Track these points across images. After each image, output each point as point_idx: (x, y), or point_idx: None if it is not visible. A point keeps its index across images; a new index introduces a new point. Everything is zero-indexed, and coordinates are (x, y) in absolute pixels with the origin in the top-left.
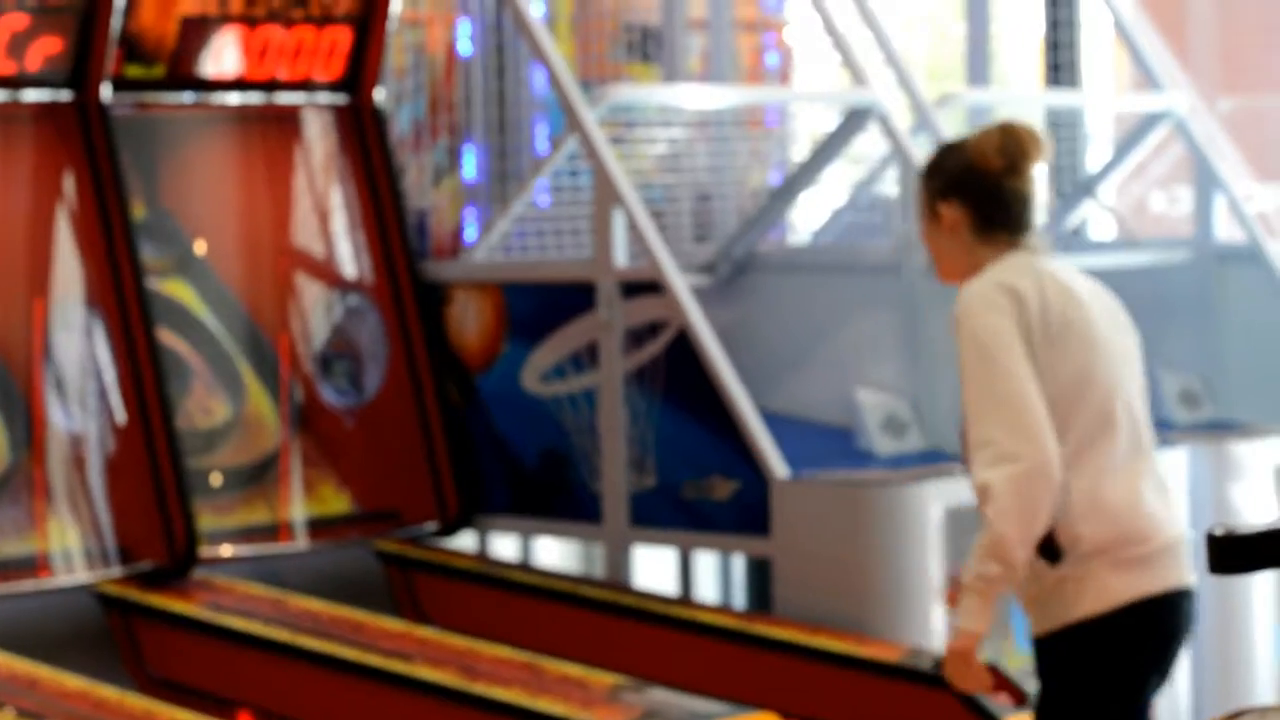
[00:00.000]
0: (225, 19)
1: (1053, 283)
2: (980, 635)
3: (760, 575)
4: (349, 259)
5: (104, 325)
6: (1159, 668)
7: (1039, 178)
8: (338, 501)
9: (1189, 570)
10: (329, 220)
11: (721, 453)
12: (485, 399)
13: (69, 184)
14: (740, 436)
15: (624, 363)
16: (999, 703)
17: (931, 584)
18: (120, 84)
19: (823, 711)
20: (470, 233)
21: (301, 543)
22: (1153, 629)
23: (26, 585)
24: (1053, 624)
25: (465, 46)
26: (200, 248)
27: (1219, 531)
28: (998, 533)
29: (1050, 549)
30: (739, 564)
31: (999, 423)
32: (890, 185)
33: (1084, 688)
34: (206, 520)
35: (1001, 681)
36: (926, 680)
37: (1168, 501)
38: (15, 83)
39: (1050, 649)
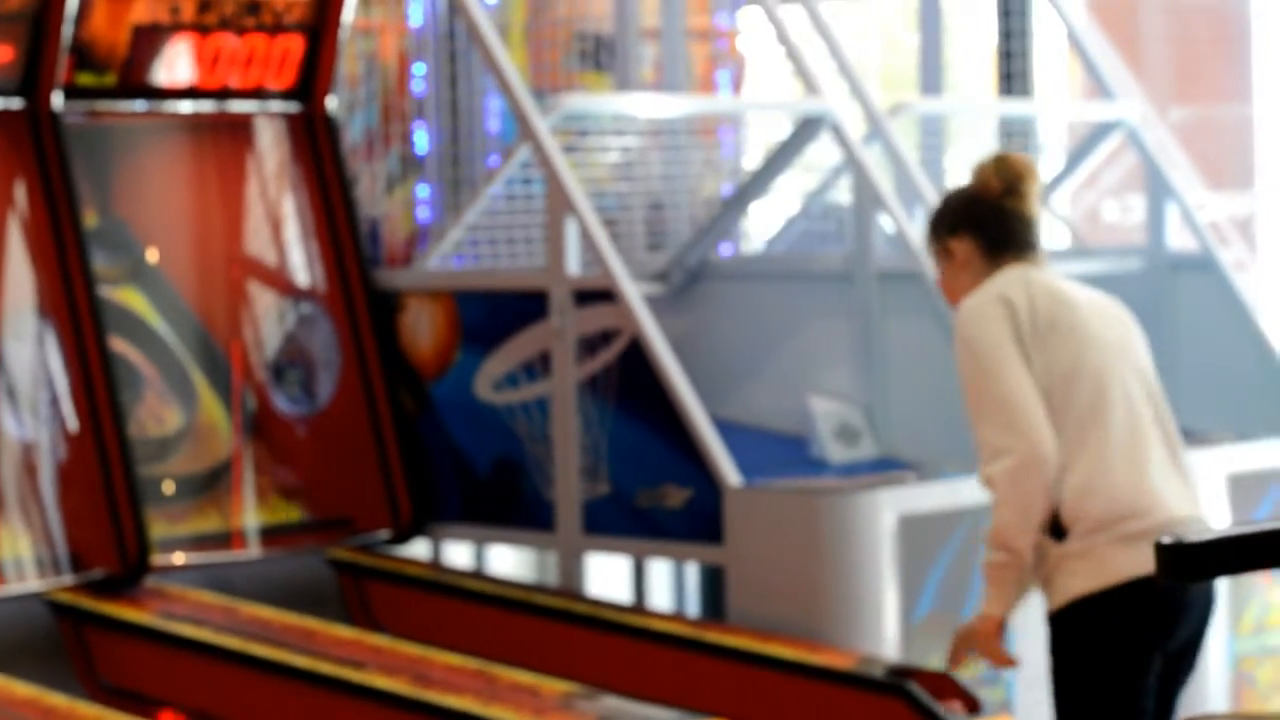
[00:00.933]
0: (177, 27)
1: (1040, 288)
2: (998, 618)
3: (714, 583)
4: (301, 267)
5: (56, 333)
6: (1163, 647)
7: (1037, 199)
8: (290, 509)
9: None
10: (281, 228)
11: (674, 461)
12: (438, 407)
13: (20, 192)
14: (693, 444)
15: (577, 371)
16: (952, 710)
17: (884, 592)
18: (72, 92)
19: (776, 719)
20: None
21: (254, 550)
22: (1155, 606)
23: None
24: (1058, 600)
25: (417, 55)
26: (153, 256)
27: (1167, 540)
28: (999, 521)
29: (1056, 527)
30: (692, 572)
31: (993, 422)
32: (843, 194)
33: (1087, 663)
34: (159, 528)
35: (954, 688)
36: (879, 687)
37: (1181, 483)
38: None
39: (1056, 625)
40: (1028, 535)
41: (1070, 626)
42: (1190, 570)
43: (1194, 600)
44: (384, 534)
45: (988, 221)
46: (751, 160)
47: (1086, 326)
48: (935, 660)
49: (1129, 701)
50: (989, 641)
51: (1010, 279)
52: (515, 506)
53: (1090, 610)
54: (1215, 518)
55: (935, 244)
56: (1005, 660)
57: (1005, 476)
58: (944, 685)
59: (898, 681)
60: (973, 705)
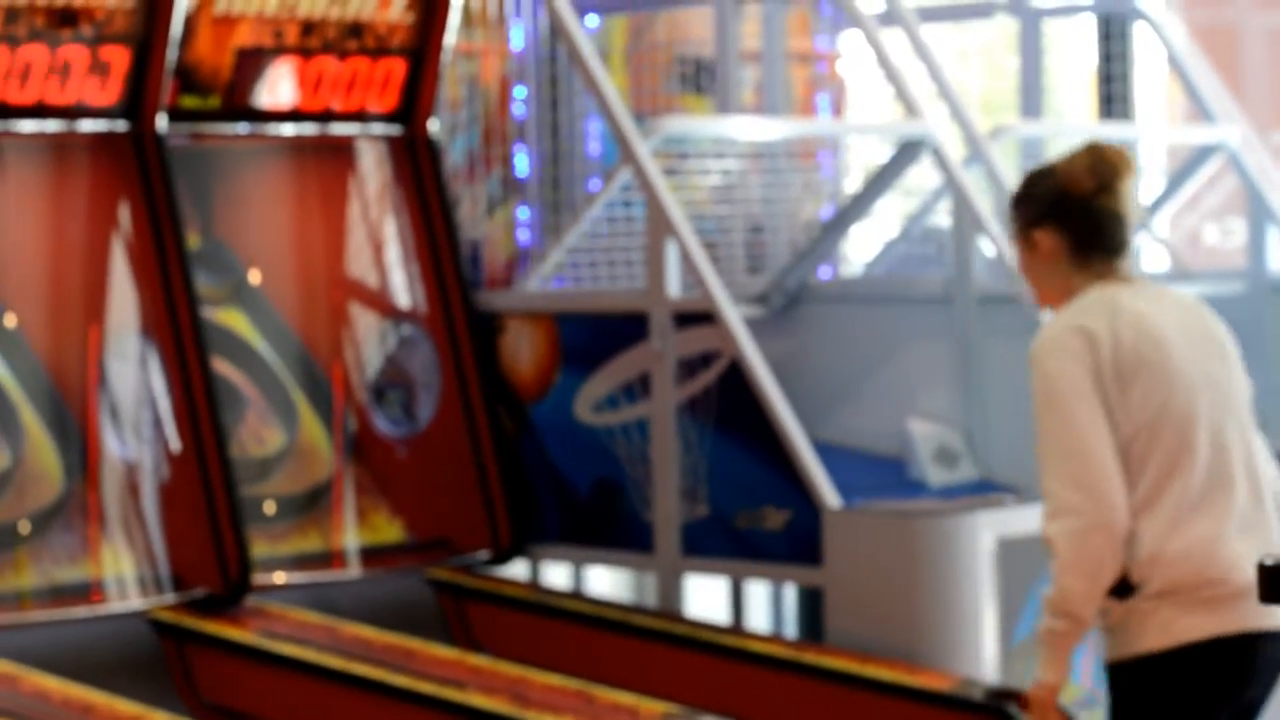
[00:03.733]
0: (280, 50)
1: (1129, 319)
2: (1057, 686)
3: (812, 605)
4: (403, 289)
5: (159, 354)
6: (1230, 708)
7: (1131, 197)
8: (390, 530)
9: (1277, 612)
10: (383, 250)
11: (774, 483)
12: (538, 428)
13: (124, 213)
14: (792, 466)
15: (676, 393)
16: None
17: (983, 614)
18: (176, 114)
19: None
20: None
21: (354, 570)
22: (1219, 670)
23: (81, 611)
24: (1120, 653)
25: (519, 79)
26: (255, 277)
27: (1269, 561)
28: (1062, 588)
29: (1122, 587)
30: (791, 594)
31: (1062, 474)
32: (943, 217)
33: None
34: (260, 547)
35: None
36: (979, 709)
37: (1263, 534)
38: (72, 113)
39: (1116, 678)
40: (1092, 603)
41: (1133, 682)
42: None
43: (1264, 662)
44: (483, 554)
45: (1077, 220)
46: (851, 183)
47: (1175, 364)
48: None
49: None
50: (1045, 711)
51: (1096, 305)
52: (614, 528)
53: (1156, 670)
54: None
55: (1015, 228)
56: None
57: (1071, 540)
58: None
59: (997, 704)
60: None
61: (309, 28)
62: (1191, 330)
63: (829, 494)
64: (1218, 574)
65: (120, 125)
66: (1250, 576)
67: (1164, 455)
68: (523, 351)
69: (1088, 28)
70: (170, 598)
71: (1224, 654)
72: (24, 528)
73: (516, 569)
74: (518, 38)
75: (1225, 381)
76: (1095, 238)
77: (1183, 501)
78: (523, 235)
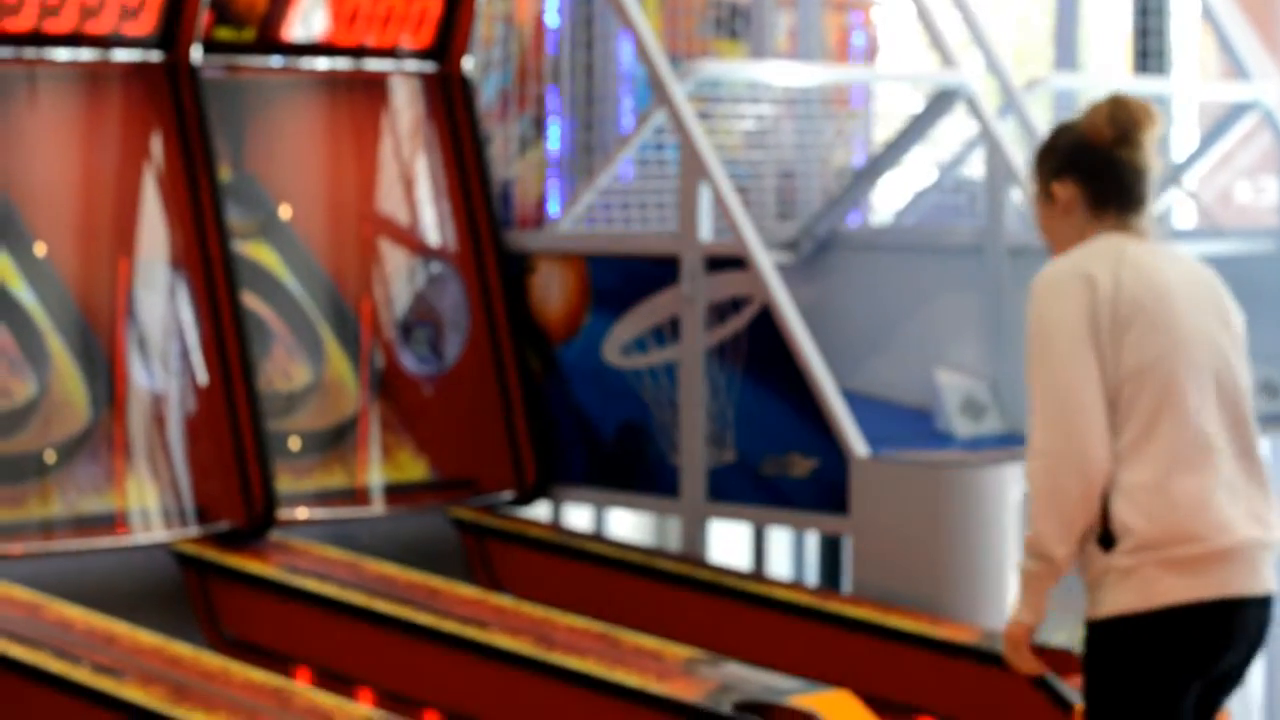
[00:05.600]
0: None
1: (1133, 269)
2: (1030, 625)
3: (832, 553)
4: (433, 227)
5: (188, 286)
6: (1204, 673)
7: (1153, 149)
8: (415, 468)
9: (1261, 577)
10: (414, 187)
11: (801, 430)
12: (565, 370)
13: (157, 145)
14: (820, 414)
15: (706, 337)
16: (1075, 687)
17: (1007, 567)
18: (210, 46)
19: (896, 691)
20: (554, 205)
21: (378, 508)
22: (1200, 634)
23: (105, 542)
24: (1100, 611)
25: (553, 18)
26: (285, 212)
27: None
28: (1035, 529)
29: (1105, 536)
30: (812, 541)
31: (1045, 414)
32: (976, 168)
33: (1120, 680)
34: (284, 483)
35: (1077, 665)
36: (1002, 662)
37: (1250, 502)
38: (106, 42)
39: (1094, 635)
40: (1066, 546)
41: (1108, 642)
42: None
43: (1242, 628)
44: (507, 495)
45: (1095, 170)
46: (884, 131)
47: (1172, 318)
48: (1059, 637)
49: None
50: (1019, 649)
51: (1102, 251)
52: (640, 471)
53: (1131, 630)
54: None
55: (1037, 183)
56: (1036, 667)
57: (1045, 481)
58: (1067, 662)
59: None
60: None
61: None
62: (1199, 292)
63: (856, 442)
64: (1201, 531)
65: (154, 56)
66: (1235, 541)
67: (1151, 405)
68: (552, 292)
69: None
70: (194, 530)
71: (1202, 620)
72: (50, 457)
73: (539, 510)
74: None
75: (1227, 349)
76: (1112, 189)
77: (1168, 455)
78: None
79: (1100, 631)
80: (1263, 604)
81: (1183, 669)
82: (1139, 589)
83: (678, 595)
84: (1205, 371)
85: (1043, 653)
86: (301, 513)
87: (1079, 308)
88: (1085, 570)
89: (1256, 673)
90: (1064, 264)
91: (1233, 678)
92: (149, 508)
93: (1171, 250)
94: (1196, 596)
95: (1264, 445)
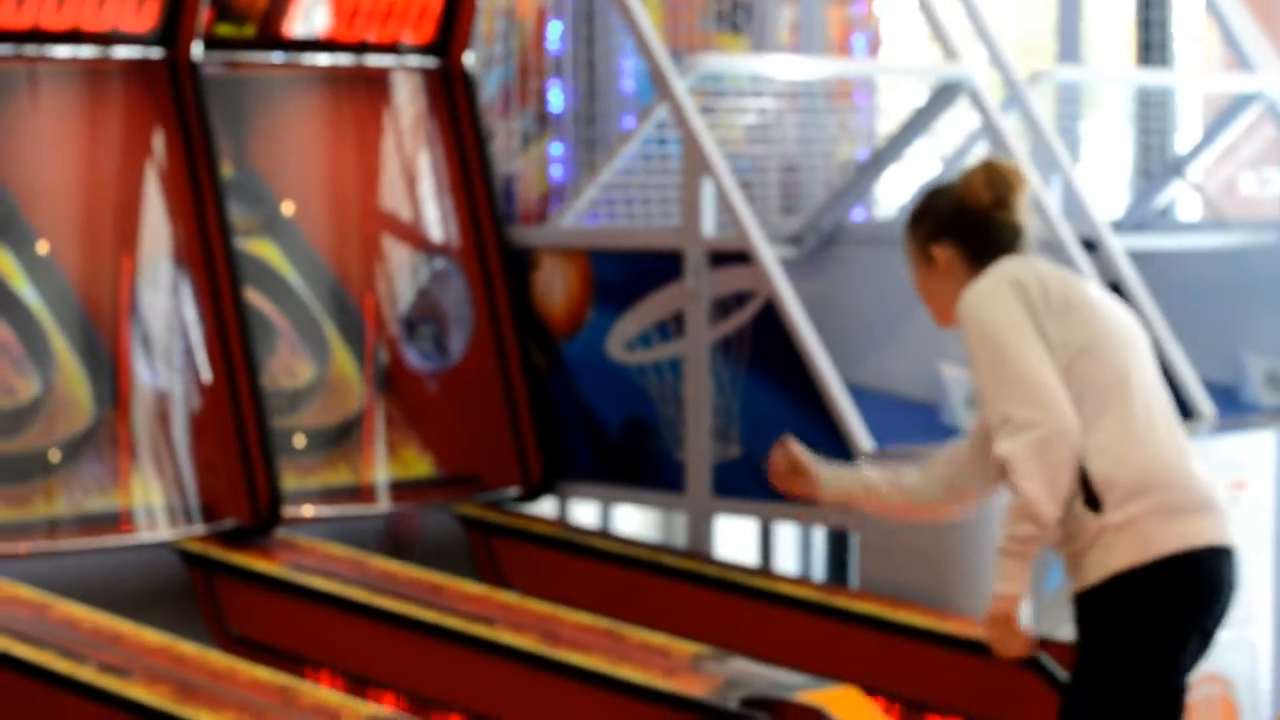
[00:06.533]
0: None
1: (1048, 270)
2: (1019, 597)
3: (839, 548)
4: (436, 222)
5: (191, 283)
6: (1200, 624)
7: (1026, 210)
8: (420, 465)
9: (1229, 531)
10: (416, 183)
11: (806, 424)
12: (570, 365)
13: (158, 141)
14: (825, 409)
15: (710, 332)
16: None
17: None
18: (211, 42)
19: (903, 685)
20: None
21: (383, 505)
22: (1195, 583)
23: (110, 540)
24: (1095, 575)
25: (555, 13)
26: (288, 208)
27: None
28: (1025, 494)
29: (1090, 497)
30: (819, 536)
31: (1012, 398)
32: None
33: (1126, 640)
34: (289, 480)
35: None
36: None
37: (1201, 467)
38: (106, 39)
39: (1089, 602)
40: (1054, 507)
41: (1109, 602)
42: None
43: (1228, 578)
44: (513, 491)
45: (974, 232)
46: (887, 125)
47: (1100, 309)
48: (1066, 631)
49: (1166, 680)
50: (1009, 623)
51: (1013, 264)
52: (645, 467)
53: (1131, 586)
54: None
55: (914, 245)
56: (1024, 644)
57: (1030, 448)
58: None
59: (1029, 652)
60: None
61: None
62: (1109, 301)
63: (862, 437)
64: (1179, 478)
65: (155, 52)
66: (1209, 491)
67: (1102, 382)
68: (556, 288)
69: None
70: (199, 528)
71: (1196, 568)
72: (54, 456)
73: (545, 506)
74: None
75: (1144, 346)
76: (992, 245)
77: (1127, 420)
78: (556, 171)
79: (1099, 595)
80: (1234, 556)
81: (1183, 619)
82: (1136, 544)
83: (684, 591)
84: (1140, 354)
85: (1050, 646)
86: (307, 510)
87: (1015, 305)
88: (1076, 540)
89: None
90: (986, 278)
91: (1212, 634)
92: (154, 506)
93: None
94: (1189, 545)
95: (1271, 437)
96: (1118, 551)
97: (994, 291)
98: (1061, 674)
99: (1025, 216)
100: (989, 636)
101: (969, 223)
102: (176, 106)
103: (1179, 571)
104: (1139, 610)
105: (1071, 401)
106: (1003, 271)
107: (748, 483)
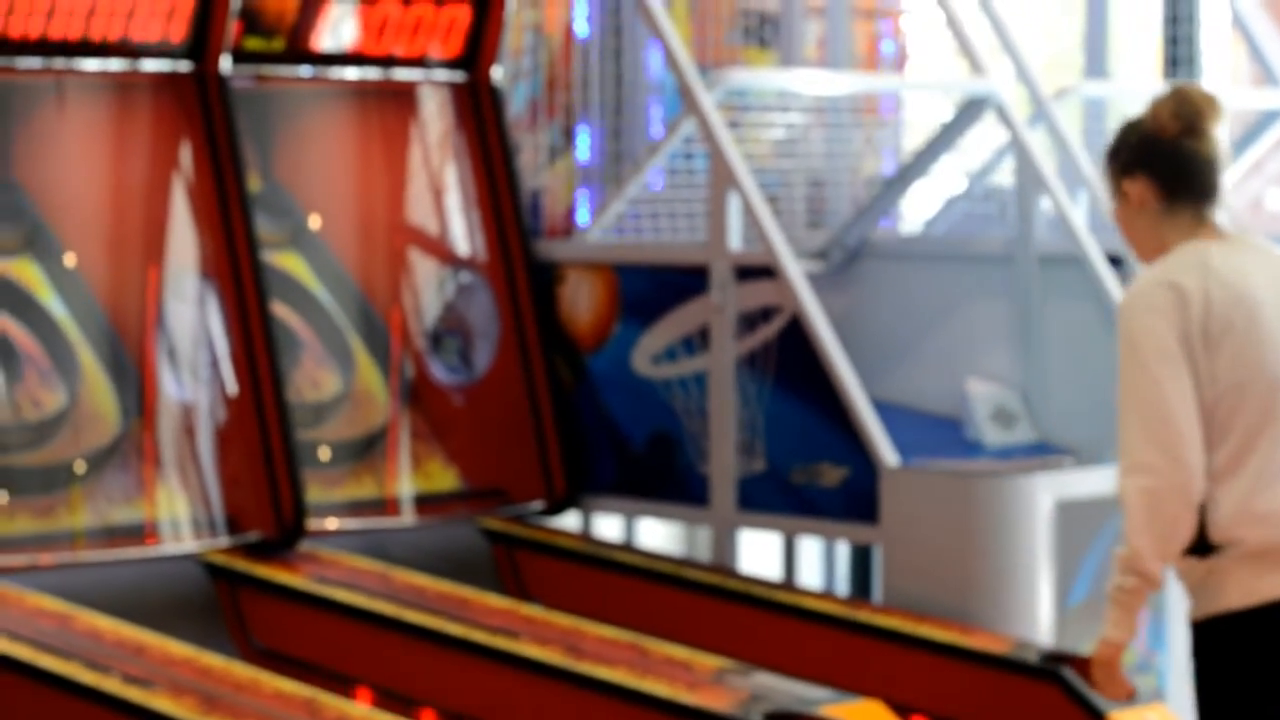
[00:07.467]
0: None
1: (1220, 283)
2: (1123, 645)
3: (863, 563)
4: (462, 236)
5: (217, 296)
6: None
7: (1219, 140)
8: (445, 478)
9: None
10: (443, 197)
11: (831, 439)
12: (595, 379)
13: (186, 154)
14: (850, 423)
15: (736, 347)
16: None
17: (1039, 577)
18: (239, 56)
19: (928, 701)
20: (582, 214)
21: (408, 518)
22: None
23: (134, 552)
24: (1202, 612)
25: (582, 27)
26: (314, 222)
27: None
28: (1133, 547)
29: (1201, 546)
30: (842, 550)
31: (1139, 431)
32: (1006, 176)
33: (1228, 678)
34: (314, 493)
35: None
36: (1033, 672)
37: None
38: (135, 52)
39: (1201, 634)
40: (1163, 562)
41: (1215, 639)
42: None
43: None
44: (537, 505)
45: (1164, 163)
46: (913, 140)
47: (1262, 330)
48: (1089, 646)
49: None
50: (1111, 669)
51: (1188, 261)
52: (670, 481)
53: (1238, 628)
54: None
55: (1110, 183)
56: (1124, 690)
57: (1143, 499)
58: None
59: (1052, 667)
60: (1129, 693)
61: None
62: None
63: (887, 452)
64: None
65: (184, 66)
66: None
67: (1248, 421)
68: (581, 302)
69: None
70: (224, 541)
71: None
72: (79, 467)
73: (569, 520)
74: None
75: None
76: (1182, 181)
77: (1265, 467)
78: (582, 189)
79: (1207, 630)
80: None
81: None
82: (1241, 587)
83: (708, 605)
84: None
85: (1072, 661)
86: (331, 523)
87: (1170, 324)
88: (1186, 577)
89: None
90: (1152, 277)
91: None
92: (179, 518)
93: (1251, 244)
94: None
95: None
96: (1224, 594)
97: (1153, 299)
98: (1086, 690)
99: (1218, 146)
100: (1093, 678)
101: (1158, 153)
102: (204, 120)
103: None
104: (1242, 653)
105: (1205, 446)
106: (1171, 273)
107: (772, 497)
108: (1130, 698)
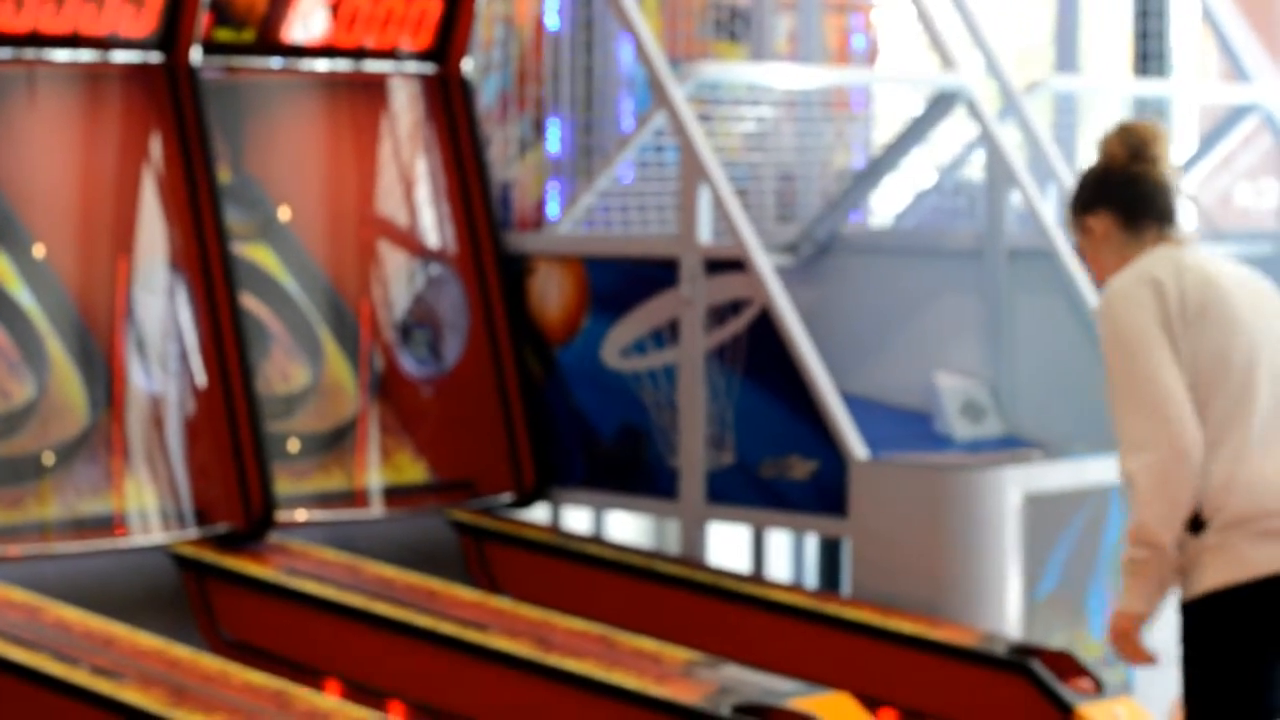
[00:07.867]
0: None
1: (1191, 271)
2: (1138, 615)
3: (831, 556)
4: (432, 228)
5: (187, 287)
6: None
7: (1170, 165)
8: (414, 470)
9: None
10: (413, 189)
11: (800, 432)
12: (564, 372)
13: (156, 146)
14: (820, 417)
15: (705, 340)
16: (1074, 689)
17: (1007, 569)
18: (210, 47)
19: (896, 693)
20: (553, 207)
21: (377, 510)
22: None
23: (103, 544)
24: (1192, 591)
25: (553, 20)
26: (284, 214)
27: None
28: (1141, 518)
29: (1194, 522)
30: (811, 543)
31: (1138, 413)
32: (976, 170)
33: (1217, 656)
34: (283, 485)
35: (1076, 668)
36: (1002, 665)
37: None
38: (105, 43)
39: (1188, 616)
40: (1172, 531)
41: (1201, 619)
42: None
43: None
44: (506, 497)
45: (1120, 193)
46: (884, 134)
47: (1237, 312)
48: (1057, 639)
49: (1256, 696)
50: (1127, 639)
51: (1159, 259)
52: (639, 474)
53: (1222, 604)
54: None
55: (1074, 225)
56: (1143, 657)
57: (1149, 471)
58: (1066, 664)
59: (1020, 660)
60: (1095, 685)
61: None
62: (1250, 287)
63: (856, 445)
64: (1277, 506)
65: (154, 57)
66: None
67: (1228, 398)
68: (551, 294)
69: None
70: (193, 532)
71: None
72: (48, 459)
73: (538, 512)
74: None
75: (1274, 356)
76: (1140, 207)
77: (1246, 441)
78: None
79: (1194, 611)
80: None
81: (1273, 638)
82: (1229, 564)
83: (677, 598)
84: (1271, 355)
85: (1041, 654)
86: (300, 515)
87: (1150, 313)
88: (1179, 557)
89: None
90: (1128, 275)
91: None
92: (147, 509)
93: (1214, 256)
94: (1278, 567)
95: None
96: (1212, 571)
97: (1131, 292)
98: (1053, 682)
99: (1168, 171)
100: (1113, 648)
101: (1114, 184)
102: (175, 111)
103: (1270, 592)
104: (1228, 629)
105: (1197, 421)
106: (1144, 268)
107: (741, 490)
108: (1151, 662)
